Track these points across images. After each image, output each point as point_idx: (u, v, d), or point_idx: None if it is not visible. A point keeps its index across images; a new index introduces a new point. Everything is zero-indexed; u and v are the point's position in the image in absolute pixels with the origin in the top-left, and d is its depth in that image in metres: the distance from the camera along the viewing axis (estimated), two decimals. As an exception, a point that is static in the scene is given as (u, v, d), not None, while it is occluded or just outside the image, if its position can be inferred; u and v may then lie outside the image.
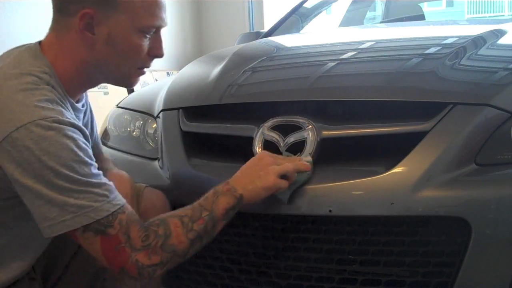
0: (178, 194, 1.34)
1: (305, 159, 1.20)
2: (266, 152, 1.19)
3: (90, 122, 1.31)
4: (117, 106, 1.74)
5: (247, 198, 1.11)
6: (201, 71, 1.74)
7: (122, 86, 1.20)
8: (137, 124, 1.62)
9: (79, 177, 0.98)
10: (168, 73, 4.57)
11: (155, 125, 1.55)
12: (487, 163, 1.17)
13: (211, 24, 5.42)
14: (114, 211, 1.01)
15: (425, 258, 1.16)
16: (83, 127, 1.06)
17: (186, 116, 1.45)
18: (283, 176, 1.14)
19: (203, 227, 1.06)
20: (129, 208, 1.05)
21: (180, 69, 1.89)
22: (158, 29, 1.13)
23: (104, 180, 1.04)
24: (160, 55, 1.15)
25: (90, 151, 1.05)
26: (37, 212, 0.99)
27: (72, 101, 1.12)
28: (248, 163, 1.16)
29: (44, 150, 0.96)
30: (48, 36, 1.11)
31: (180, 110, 1.46)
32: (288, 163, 1.15)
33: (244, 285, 1.30)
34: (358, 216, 1.17)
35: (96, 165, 1.05)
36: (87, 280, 1.32)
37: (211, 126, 1.40)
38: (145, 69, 1.17)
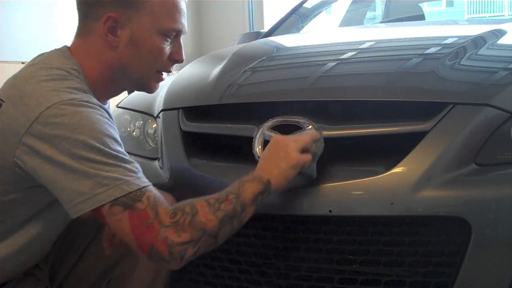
0: (178, 194, 1.34)
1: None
2: (278, 135, 1.19)
3: None
4: (117, 106, 1.74)
5: (275, 183, 1.09)
6: (201, 71, 1.74)
7: (143, 90, 1.23)
8: (137, 124, 1.63)
9: (110, 151, 1.01)
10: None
11: (155, 125, 1.55)
12: (487, 163, 1.17)
13: (211, 24, 5.42)
14: (143, 187, 1.01)
15: (425, 258, 1.16)
16: (110, 112, 1.11)
17: (186, 116, 1.45)
18: (303, 151, 1.14)
19: (231, 208, 1.04)
20: (155, 190, 1.05)
21: (180, 69, 1.89)
22: (178, 34, 1.17)
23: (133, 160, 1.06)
24: (180, 60, 1.19)
25: (118, 134, 1.08)
26: (69, 188, 0.99)
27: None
28: (266, 150, 1.15)
29: (75, 124, 0.99)
30: (74, 41, 1.16)
31: (180, 110, 1.46)
32: (304, 136, 1.16)
33: (244, 285, 1.30)
34: (358, 216, 1.17)
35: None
36: (92, 281, 1.33)
37: (211, 126, 1.40)
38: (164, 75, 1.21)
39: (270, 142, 1.17)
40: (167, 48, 1.15)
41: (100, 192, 0.98)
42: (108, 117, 1.07)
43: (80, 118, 1.00)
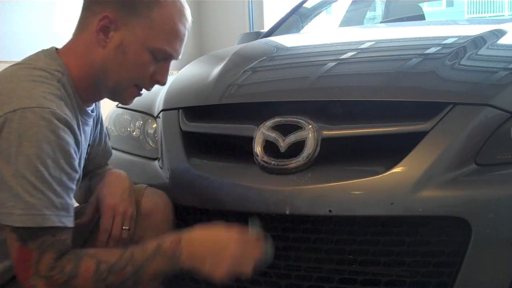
0: (178, 194, 1.34)
1: (252, 226, 1.14)
2: (235, 237, 1.08)
3: (99, 133, 1.33)
4: (117, 106, 1.74)
5: (187, 266, 1.05)
6: (201, 71, 1.74)
7: (115, 99, 1.21)
8: (137, 124, 1.63)
9: (46, 176, 0.97)
10: (168, 73, 4.57)
11: (155, 125, 1.55)
12: (487, 163, 1.17)
13: (211, 24, 5.42)
14: (52, 227, 0.98)
15: (425, 258, 1.16)
16: (77, 131, 1.06)
17: (186, 116, 1.45)
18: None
19: (119, 280, 1.01)
20: (68, 234, 1.02)
21: (180, 69, 1.89)
22: (169, 58, 1.15)
23: (69, 198, 1.02)
24: (162, 83, 1.17)
25: (75, 162, 1.04)
26: None
27: (81, 102, 1.14)
28: (215, 239, 1.08)
29: (29, 136, 0.97)
30: (69, 40, 1.15)
31: (180, 110, 1.47)
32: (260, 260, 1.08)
33: (244, 285, 1.30)
34: (358, 216, 1.17)
35: (74, 181, 1.04)
36: None
37: (211, 126, 1.40)
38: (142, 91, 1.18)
39: (227, 235, 1.07)
40: (153, 67, 1.13)
41: (16, 213, 0.96)
42: (68, 137, 1.02)
43: (36, 131, 0.97)
